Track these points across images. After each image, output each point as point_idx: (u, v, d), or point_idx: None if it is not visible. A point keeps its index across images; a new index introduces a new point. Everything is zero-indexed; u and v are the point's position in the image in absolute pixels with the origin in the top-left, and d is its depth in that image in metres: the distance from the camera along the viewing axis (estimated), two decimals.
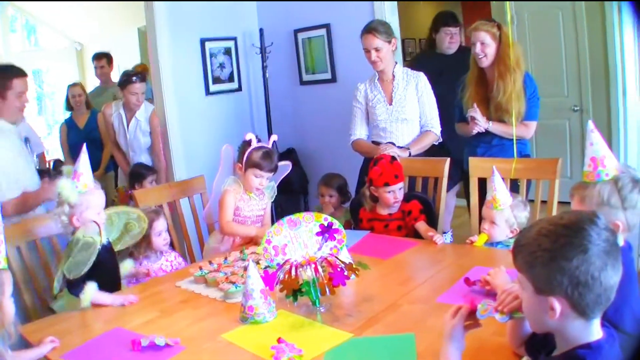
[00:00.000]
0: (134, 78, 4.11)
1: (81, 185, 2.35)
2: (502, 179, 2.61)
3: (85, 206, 2.35)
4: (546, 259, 1.20)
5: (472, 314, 1.49)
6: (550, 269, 1.19)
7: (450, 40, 4.28)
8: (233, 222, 2.98)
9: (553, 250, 1.19)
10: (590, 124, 1.80)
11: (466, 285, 2.09)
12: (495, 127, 3.31)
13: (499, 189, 2.56)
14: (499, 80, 3.24)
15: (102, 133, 4.96)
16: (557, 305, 1.20)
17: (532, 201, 2.78)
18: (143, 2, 4.55)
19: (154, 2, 4.44)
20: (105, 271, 2.41)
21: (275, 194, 3.11)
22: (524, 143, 3.37)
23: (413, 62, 4.68)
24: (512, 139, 3.17)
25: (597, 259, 1.17)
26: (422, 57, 5.02)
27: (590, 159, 1.75)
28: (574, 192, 1.77)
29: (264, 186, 2.99)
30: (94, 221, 2.34)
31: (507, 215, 2.56)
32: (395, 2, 4.41)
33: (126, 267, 2.65)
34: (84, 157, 2.39)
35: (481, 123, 3.30)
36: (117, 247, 2.62)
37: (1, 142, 2.96)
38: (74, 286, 2.24)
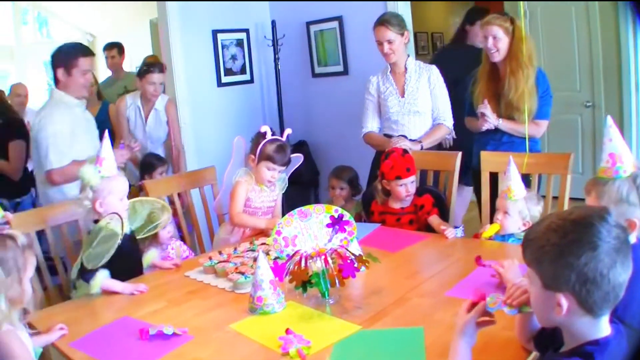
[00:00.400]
0: (153, 68, 4.12)
1: (104, 170, 2.38)
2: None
3: (108, 191, 2.37)
4: (554, 255, 1.19)
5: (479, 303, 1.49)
6: (558, 264, 1.18)
7: None
8: (243, 213, 2.98)
9: (561, 245, 1.18)
10: (609, 120, 1.79)
11: (477, 264, 2.12)
12: (505, 125, 3.25)
13: (514, 180, 2.55)
14: (511, 76, 3.18)
15: (113, 125, 4.95)
16: (564, 301, 1.19)
17: (543, 197, 2.76)
18: None
19: None
20: (127, 260, 2.42)
21: (287, 185, 3.10)
22: (535, 141, 3.29)
23: (442, 52, 4.58)
24: (522, 137, 3.15)
25: (607, 256, 1.16)
26: (450, 47, 4.84)
27: (609, 155, 1.73)
28: (591, 188, 1.75)
29: (276, 179, 2.98)
30: (117, 213, 2.34)
31: (521, 206, 2.55)
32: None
33: (150, 256, 2.63)
34: (106, 143, 2.42)
35: (491, 120, 3.23)
36: (139, 236, 2.63)
37: (60, 114, 3.13)
38: (87, 272, 2.25)
